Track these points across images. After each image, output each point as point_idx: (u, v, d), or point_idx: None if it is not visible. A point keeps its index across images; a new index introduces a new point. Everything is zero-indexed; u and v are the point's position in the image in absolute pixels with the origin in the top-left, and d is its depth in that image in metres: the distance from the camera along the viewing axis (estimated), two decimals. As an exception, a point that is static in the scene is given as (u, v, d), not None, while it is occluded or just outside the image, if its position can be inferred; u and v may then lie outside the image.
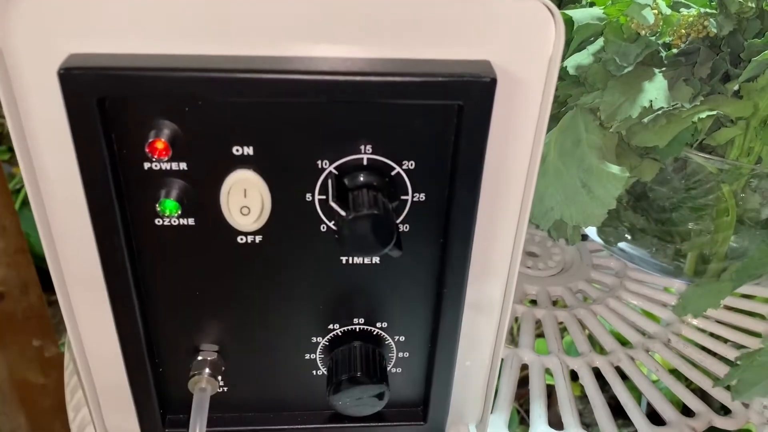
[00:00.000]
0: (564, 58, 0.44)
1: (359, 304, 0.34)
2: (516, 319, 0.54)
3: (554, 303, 0.56)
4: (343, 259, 0.32)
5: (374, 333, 0.35)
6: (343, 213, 0.28)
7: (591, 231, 0.61)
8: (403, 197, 0.30)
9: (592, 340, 0.53)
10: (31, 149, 0.28)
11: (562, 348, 0.50)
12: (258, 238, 0.31)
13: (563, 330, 0.54)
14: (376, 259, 0.32)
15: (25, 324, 0.99)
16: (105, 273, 0.31)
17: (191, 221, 0.30)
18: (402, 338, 0.36)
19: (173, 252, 0.31)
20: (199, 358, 0.34)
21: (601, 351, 0.51)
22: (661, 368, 0.50)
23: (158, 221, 0.30)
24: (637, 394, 0.48)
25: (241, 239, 0.31)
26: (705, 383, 0.49)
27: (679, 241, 0.54)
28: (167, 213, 0.29)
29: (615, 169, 0.40)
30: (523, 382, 0.48)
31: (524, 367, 0.50)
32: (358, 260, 0.32)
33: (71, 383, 0.45)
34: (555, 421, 0.45)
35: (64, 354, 0.48)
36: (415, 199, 0.31)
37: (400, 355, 0.36)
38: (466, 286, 0.33)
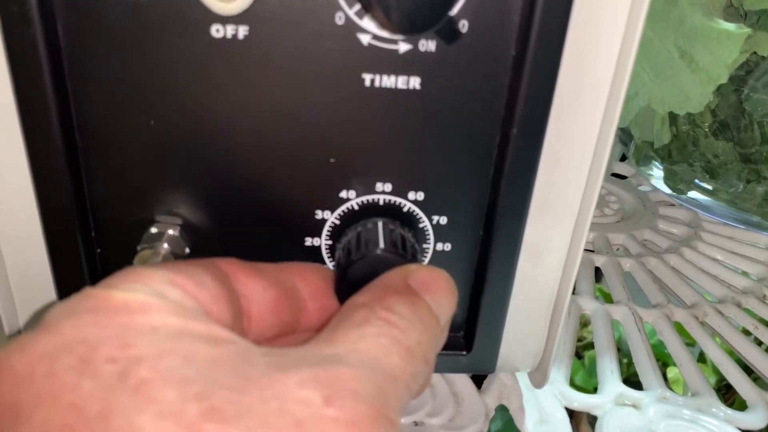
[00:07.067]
0: None
1: (385, 159, 0.24)
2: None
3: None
4: (367, 78, 0.22)
5: (404, 208, 0.25)
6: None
7: (657, 181, 0.51)
8: (461, -29, 0.20)
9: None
10: None
11: (630, 297, 0.40)
12: (242, 31, 0.21)
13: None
14: (414, 83, 0.22)
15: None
16: (15, 82, 0.21)
17: (143, -7, 0.20)
18: (443, 220, 0.25)
19: (117, 50, 0.21)
20: (153, 230, 0.24)
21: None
22: (761, 326, 0.39)
23: (94, -11, 0.20)
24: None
25: (218, 31, 0.21)
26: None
27: (774, 177, 0.44)
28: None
29: (729, 25, 0.30)
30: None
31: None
32: (387, 82, 0.22)
33: None
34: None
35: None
36: (478, -23, 0.20)
37: (439, 247, 0.26)
38: (544, 131, 0.23)
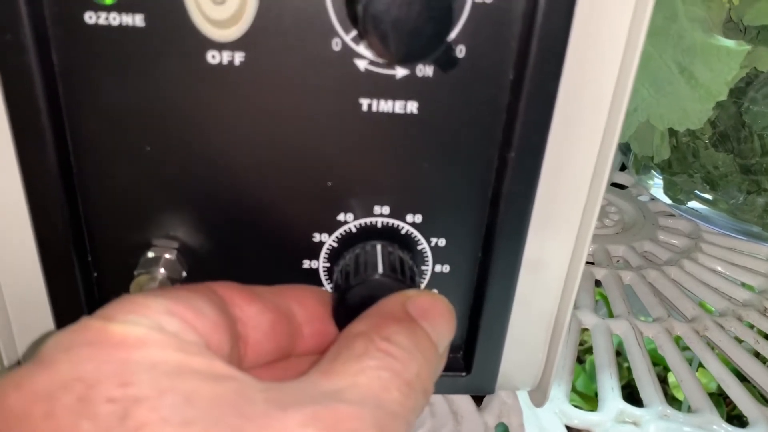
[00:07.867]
0: None
1: (383, 182, 0.24)
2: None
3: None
4: (364, 102, 0.22)
5: (402, 231, 0.25)
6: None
7: (657, 190, 0.51)
8: (458, -4, 0.20)
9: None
10: None
11: (631, 311, 0.39)
12: (238, 57, 0.21)
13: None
14: (412, 107, 0.22)
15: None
16: (9, 108, 0.21)
17: (138, 20, 0.20)
18: (442, 242, 0.25)
19: (112, 77, 0.21)
20: (150, 254, 0.24)
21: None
22: (762, 339, 0.39)
23: (89, 17, 0.20)
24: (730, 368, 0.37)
25: (213, 57, 0.21)
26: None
27: (774, 188, 0.44)
28: (100, -4, 0.19)
29: (729, 42, 0.30)
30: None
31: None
32: (384, 107, 0.22)
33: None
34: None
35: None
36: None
37: (438, 269, 0.26)
38: (542, 154, 0.23)
